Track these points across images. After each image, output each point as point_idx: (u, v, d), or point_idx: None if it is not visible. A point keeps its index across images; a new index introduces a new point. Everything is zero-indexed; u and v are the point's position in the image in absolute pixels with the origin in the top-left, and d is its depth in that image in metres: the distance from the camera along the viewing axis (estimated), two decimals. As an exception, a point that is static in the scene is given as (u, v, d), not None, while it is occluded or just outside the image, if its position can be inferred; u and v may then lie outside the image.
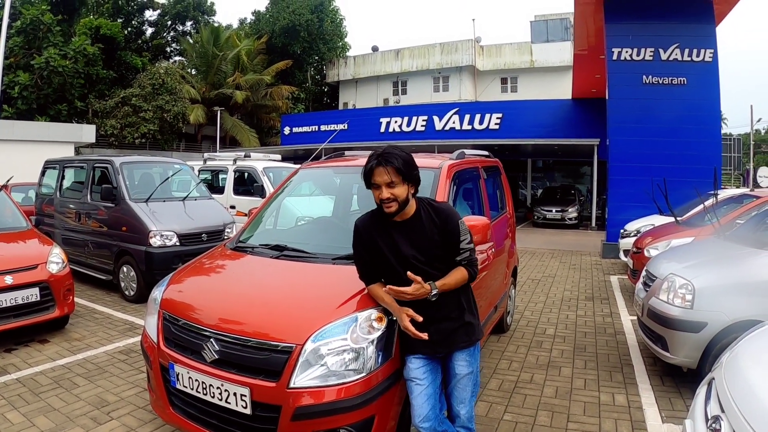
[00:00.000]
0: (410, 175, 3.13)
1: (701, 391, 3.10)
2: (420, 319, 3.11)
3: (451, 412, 3.39)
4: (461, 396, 3.34)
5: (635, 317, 7.64)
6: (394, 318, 3.30)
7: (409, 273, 3.08)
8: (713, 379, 2.99)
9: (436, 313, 3.19)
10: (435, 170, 4.68)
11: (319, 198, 6.15)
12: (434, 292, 3.11)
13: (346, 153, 5.79)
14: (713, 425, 2.55)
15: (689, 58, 15.19)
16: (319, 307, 3.44)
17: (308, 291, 3.75)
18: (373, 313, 3.34)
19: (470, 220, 3.77)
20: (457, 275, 3.21)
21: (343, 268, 3.81)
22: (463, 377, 3.32)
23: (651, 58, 15.39)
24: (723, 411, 2.59)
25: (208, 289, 4.10)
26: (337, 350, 3.18)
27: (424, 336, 3.12)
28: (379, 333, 3.28)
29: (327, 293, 3.63)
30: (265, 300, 3.74)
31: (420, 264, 3.18)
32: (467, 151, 5.82)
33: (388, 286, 3.18)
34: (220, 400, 3.30)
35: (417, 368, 3.24)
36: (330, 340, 3.19)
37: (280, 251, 4.28)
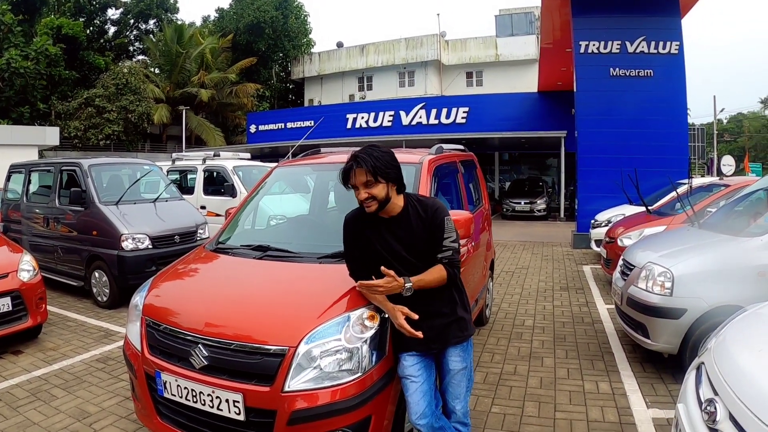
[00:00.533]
0: (386, 173, 3.09)
1: (690, 376, 3.12)
2: (415, 317, 3.09)
3: (446, 408, 3.37)
4: (456, 392, 3.33)
5: (611, 306, 7.75)
6: (387, 315, 3.27)
7: (382, 267, 3.07)
8: (702, 363, 3.02)
9: (428, 309, 3.16)
10: (416, 165, 4.65)
11: (292, 196, 6.09)
12: (407, 286, 3.07)
13: (322, 150, 5.74)
14: (708, 408, 2.58)
15: (656, 51, 15.40)
16: (310, 307, 3.38)
17: (297, 291, 3.68)
18: (365, 311, 3.29)
19: (454, 215, 3.75)
20: (434, 273, 3.16)
21: (330, 267, 3.77)
22: (457, 373, 3.30)
23: (618, 50, 15.58)
24: (716, 394, 2.62)
25: (192, 293, 4.00)
26: (330, 351, 3.13)
27: (419, 334, 3.10)
28: (372, 331, 3.24)
29: (316, 293, 3.56)
30: (253, 302, 3.65)
31: (409, 259, 3.17)
32: (444, 146, 5.81)
33: (359, 282, 3.17)
34: (212, 407, 3.22)
35: (411, 365, 3.21)
36: (323, 341, 3.14)
37: (263, 251, 4.21)
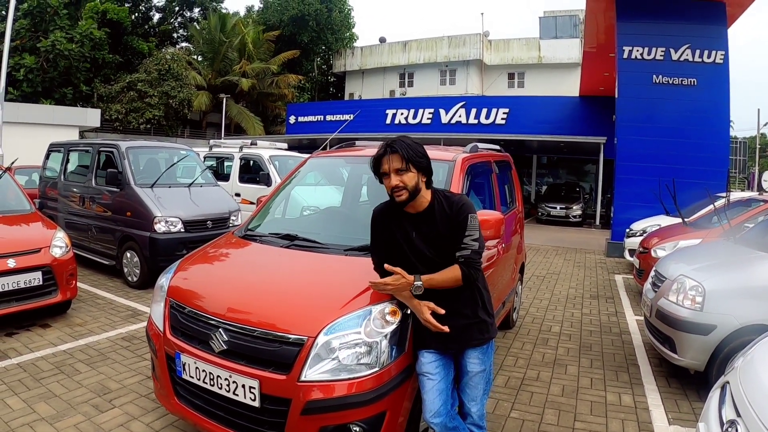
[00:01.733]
0: (418, 162, 3.06)
1: (714, 395, 3.05)
2: (442, 311, 3.05)
3: (462, 409, 3.32)
4: (473, 394, 3.28)
5: (641, 317, 7.62)
6: (409, 311, 3.24)
7: (386, 265, 3.05)
8: (727, 383, 2.94)
9: (447, 308, 3.09)
10: (449, 163, 4.61)
11: (326, 188, 6.09)
12: (417, 284, 3.04)
13: (357, 143, 5.72)
14: (729, 430, 2.51)
15: (700, 59, 15.06)
16: (332, 299, 3.37)
17: (320, 282, 3.67)
18: (387, 306, 3.26)
19: (483, 215, 3.71)
20: (448, 273, 3.09)
21: (356, 260, 3.75)
22: (474, 375, 3.26)
23: (662, 57, 15.27)
24: (739, 416, 2.56)
25: (218, 278, 4.01)
26: (349, 344, 3.12)
27: (446, 329, 3.05)
28: (393, 327, 3.21)
29: (340, 285, 3.56)
30: (276, 290, 3.65)
31: (432, 257, 3.13)
32: (480, 145, 5.75)
33: (369, 281, 3.14)
34: (228, 391, 3.24)
35: (429, 363, 3.18)
36: (343, 333, 3.13)
37: (290, 240, 4.21)
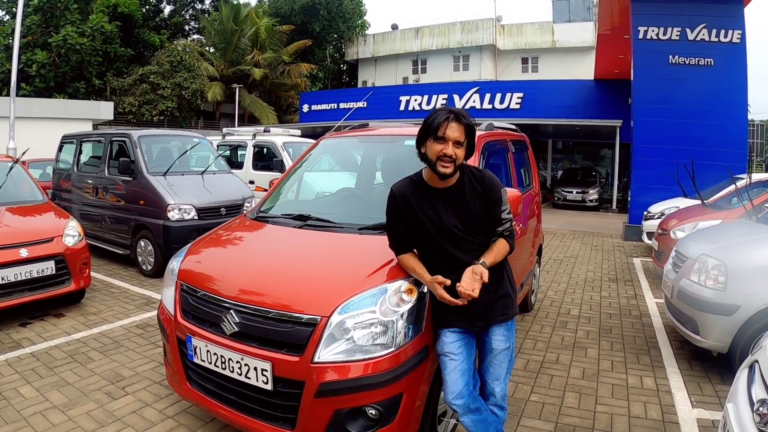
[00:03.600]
0: (472, 141, 2.99)
1: (742, 374, 2.94)
2: (448, 282, 2.92)
3: (484, 390, 3.23)
4: (497, 372, 3.19)
5: (660, 300, 7.52)
6: (425, 290, 3.15)
7: (458, 286, 2.84)
8: (756, 361, 2.83)
9: None
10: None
11: (340, 174, 5.99)
12: (485, 270, 2.89)
13: (370, 124, 5.61)
14: (760, 409, 2.41)
15: (717, 39, 14.79)
16: (346, 277, 3.28)
17: (334, 261, 3.57)
18: (404, 284, 3.16)
19: None
20: (500, 247, 3.04)
21: (371, 238, 3.66)
22: (499, 353, 3.16)
23: (678, 37, 15.02)
24: None
25: (229, 260, 3.94)
26: (364, 323, 3.02)
27: (461, 302, 2.90)
28: (409, 305, 3.11)
29: (354, 264, 3.47)
30: (289, 270, 3.56)
31: (461, 234, 3.02)
32: (496, 123, 5.64)
33: (458, 287, 2.88)
34: (240, 375, 3.16)
35: (452, 342, 3.08)
36: (357, 312, 3.03)
37: (303, 221, 4.12)
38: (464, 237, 3.02)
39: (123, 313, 6.78)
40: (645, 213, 12.54)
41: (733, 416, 2.66)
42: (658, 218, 11.26)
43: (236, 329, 3.22)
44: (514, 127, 6.62)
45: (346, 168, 5.85)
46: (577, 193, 23.79)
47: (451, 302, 2.93)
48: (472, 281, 2.83)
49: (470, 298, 2.82)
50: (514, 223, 3.18)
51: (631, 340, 6.31)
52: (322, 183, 5.79)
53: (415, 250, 3.17)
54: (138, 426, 4.04)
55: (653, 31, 15.15)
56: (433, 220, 3.03)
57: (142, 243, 8.80)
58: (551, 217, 18.90)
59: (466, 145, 2.97)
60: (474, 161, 4.29)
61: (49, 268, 6.43)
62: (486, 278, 2.85)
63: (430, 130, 2.96)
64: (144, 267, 8.81)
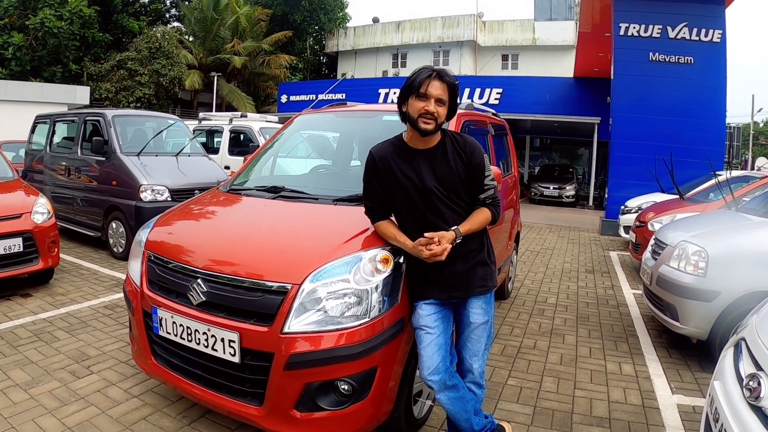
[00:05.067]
0: (455, 96, 2.92)
1: (728, 353, 2.88)
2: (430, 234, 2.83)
3: (461, 366, 3.12)
4: (475, 348, 3.08)
5: (638, 291, 7.53)
6: (402, 260, 3.04)
7: (426, 234, 2.82)
8: (743, 339, 2.77)
9: (454, 251, 2.87)
10: (444, 118, 4.40)
11: (316, 161, 5.86)
12: (459, 238, 2.86)
13: (348, 104, 5.48)
14: (750, 383, 2.33)
15: (697, 38, 14.92)
16: (319, 245, 3.15)
17: (307, 230, 3.44)
18: (380, 253, 3.04)
19: None
20: (479, 217, 2.96)
21: (346, 208, 3.55)
22: (478, 326, 3.05)
23: (659, 35, 15.12)
24: (761, 369, 2.39)
25: (198, 229, 3.81)
26: (337, 293, 2.89)
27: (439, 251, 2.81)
28: (384, 275, 2.98)
29: (327, 232, 3.34)
30: (260, 239, 3.43)
31: (442, 196, 2.92)
32: (476, 104, 5.54)
33: (414, 247, 2.88)
34: (206, 347, 3.02)
35: (428, 315, 2.97)
36: (330, 280, 2.90)
37: (277, 192, 3.99)
38: (445, 200, 2.92)
39: (92, 294, 6.59)
40: (622, 207, 12.58)
41: (721, 393, 2.59)
42: (635, 212, 11.30)
43: (203, 299, 3.07)
44: (494, 111, 6.55)
45: (322, 155, 5.73)
46: (554, 189, 23.90)
47: (441, 251, 2.81)
48: (442, 244, 2.79)
49: (434, 259, 2.80)
50: (499, 189, 3.09)
51: (608, 328, 6.27)
52: (298, 169, 5.66)
53: (392, 218, 3.06)
54: (101, 405, 3.88)
55: (634, 27, 15.23)
56: (414, 182, 2.92)
57: (114, 225, 8.59)
58: (528, 211, 18.89)
59: (448, 105, 2.89)
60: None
61: (16, 245, 6.23)
62: (450, 240, 2.81)
63: (412, 87, 2.88)
64: (115, 249, 8.61)
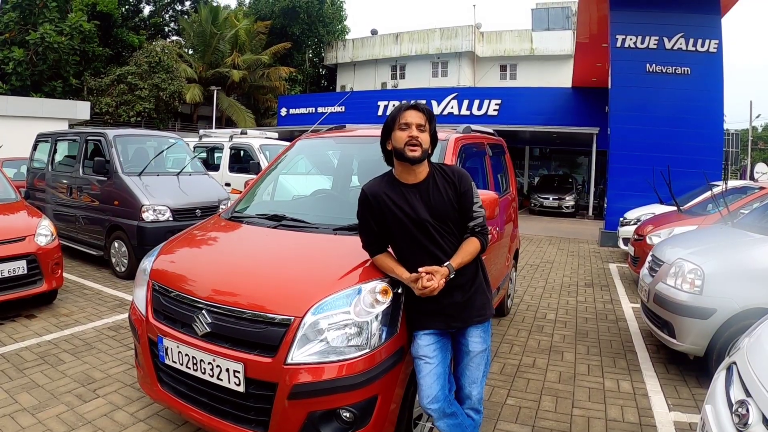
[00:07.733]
0: (433, 127, 3.06)
1: (720, 376, 2.94)
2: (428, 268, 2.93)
3: (460, 393, 3.18)
4: (473, 375, 3.14)
5: (636, 305, 7.56)
6: (400, 291, 3.12)
7: (420, 269, 2.92)
8: (734, 363, 2.84)
9: (450, 283, 2.95)
10: (441, 142, 4.45)
11: (316, 177, 5.93)
12: (452, 274, 2.94)
13: (347, 126, 5.57)
14: (739, 410, 2.40)
15: (694, 48, 15.04)
16: (320, 278, 3.22)
17: (308, 261, 3.52)
18: (379, 285, 3.12)
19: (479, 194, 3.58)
20: (469, 248, 3.03)
21: (346, 239, 3.60)
22: (476, 355, 3.12)
23: (655, 46, 15.24)
24: (749, 395, 2.45)
25: (202, 259, 3.88)
26: (338, 324, 2.97)
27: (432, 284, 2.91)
28: (384, 306, 3.07)
29: (328, 264, 3.41)
30: (262, 270, 3.51)
31: (435, 227, 3.00)
32: (473, 126, 5.62)
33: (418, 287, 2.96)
34: (212, 376, 3.10)
35: (427, 345, 3.04)
36: (331, 312, 2.98)
37: (278, 221, 4.06)
38: (438, 229, 3.00)
39: (95, 315, 6.66)
40: (621, 219, 12.64)
41: (712, 418, 2.66)
42: (633, 224, 11.34)
43: (208, 330, 3.15)
44: (491, 131, 6.62)
45: (322, 171, 5.80)
46: (553, 199, 23.95)
47: (440, 281, 2.91)
48: (436, 279, 2.88)
49: (427, 294, 2.90)
50: (486, 217, 3.18)
51: (607, 344, 6.33)
52: (299, 186, 5.74)
53: (390, 250, 3.14)
54: (109, 429, 3.95)
55: (631, 39, 15.36)
56: (409, 215, 3.00)
57: (116, 244, 8.66)
58: (528, 223, 18.97)
59: (429, 132, 3.02)
60: (450, 162, 4.28)
61: (20, 267, 6.31)
62: (443, 275, 2.90)
63: (393, 122, 3.03)
64: (117, 268, 8.67)
